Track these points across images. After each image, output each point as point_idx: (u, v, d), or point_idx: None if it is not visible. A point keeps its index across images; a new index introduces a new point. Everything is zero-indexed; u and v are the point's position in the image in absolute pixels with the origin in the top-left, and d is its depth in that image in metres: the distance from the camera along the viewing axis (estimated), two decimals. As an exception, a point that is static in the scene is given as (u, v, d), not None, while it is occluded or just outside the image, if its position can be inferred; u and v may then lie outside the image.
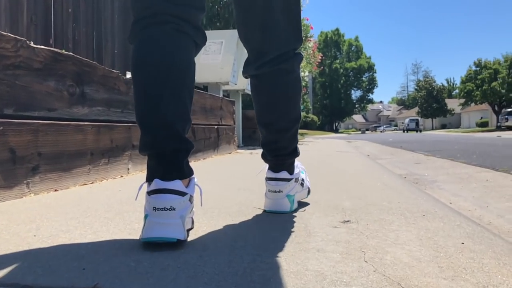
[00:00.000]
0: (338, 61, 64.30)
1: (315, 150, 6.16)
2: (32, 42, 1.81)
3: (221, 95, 5.88)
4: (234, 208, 1.51)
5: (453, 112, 59.35)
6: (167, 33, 1.06)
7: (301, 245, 1.03)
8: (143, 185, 1.07)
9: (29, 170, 1.75)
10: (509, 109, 32.99)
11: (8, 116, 1.66)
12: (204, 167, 3.27)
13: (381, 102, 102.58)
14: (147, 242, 0.98)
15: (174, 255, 0.92)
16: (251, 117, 7.88)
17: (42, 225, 1.22)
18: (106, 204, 1.56)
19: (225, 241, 1.05)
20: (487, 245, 1.08)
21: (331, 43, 64.73)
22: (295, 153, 1.44)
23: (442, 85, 64.03)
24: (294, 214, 1.42)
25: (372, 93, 66.73)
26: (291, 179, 1.42)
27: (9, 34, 1.67)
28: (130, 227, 1.20)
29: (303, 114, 31.54)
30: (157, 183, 1.00)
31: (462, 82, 44.86)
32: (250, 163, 3.71)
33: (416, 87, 71.50)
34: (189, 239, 1.07)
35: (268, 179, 1.42)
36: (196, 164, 3.42)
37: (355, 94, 66.79)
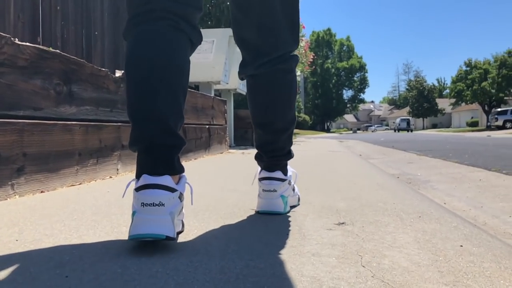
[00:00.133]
0: (329, 60, 64.39)
1: (308, 150, 6.14)
2: (17, 39, 1.75)
3: (212, 95, 5.83)
4: (226, 210, 1.47)
5: (443, 111, 59.75)
6: (163, 29, 1.05)
7: (295, 248, 0.99)
8: (131, 182, 1.04)
9: (13, 171, 1.70)
10: (499, 109, 33.26)
11: (-9, 115, 1.60)
12: (195, 167, 3.22)
13: (372, 102, 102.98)
14: (135, 239, 0.93)
15: (163, 261, 0.87)
16: (243, 116, 7.85)
17: (26, 228, 1.17)
18: (93, 206, 1.51)
19: (217, 245, 1.01)
20: (486, 248, 1.05)
21: (323, 43, 64.80)
22: (290, 154, 1.45)
23: (433, 85, 64.49)
24: (287, 215, 1.38)
25: (363, 92, 66.94)
26: (285, 179, 1.39)
27: (-8, 30, 1.61)
28: (118, 230, 1.16)
29: (295, 113, 31.51)
30: (146, 179, 0.96)
31: (453, 82, 45.14)
32: (242, 163, 3.67)
33: (407, 87, 71.81)
34: (179, 243, 1.03)
35: (262, 179, 1.39)
36: (187, 164, 3.37)
37: (347, 93, 66.96)
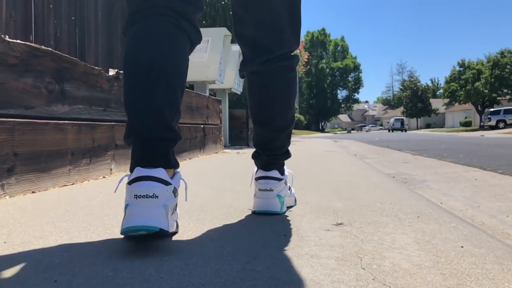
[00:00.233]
0: (324, 61, 64.48)
1: (303, 150, 6.12)
2: (7, 36, 1.71)
3: (207, 94, 5.79)
4: (221, 211, 1.44)
5: (437, 111, 59.99)
6: (164, 25, 1.05)
7: (293, 250, 0.96)
8: (124, 177, 1.02)
9: (4, 171, 1.66)
10: (492, 109, 33.44)
11: (-20, 114, 1.56)
12: (190, 167, 3.19)
13: (366, 101, 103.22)
14: (128, 233, 0.90)
15: (157, 264, 0.84)
16: (238, 116, 7.81)
17: (15, 230, 1.13)
18: (85, 207, 1.47)
19: (212, 247, 0.98)
20: (487, 249, 1.03)
21: (317, 43, 64.87)
22: (288, 154, 1.43)
23: (427, 85, 64.72)
24: (284, 216, 1.35)
25: (357, 93, 67.11)
26: (282, 179, 1.37)
27: (-19, 27, 1.57)
28: (110, 231, 1.12)
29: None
30: (139, 171, 0.95)
31: (446, 82, 45.30)
32: (238, 163, 3.64)
33: (401, 87, 71.99)
34: (173, 244, 1.00)
35: (259, 178, 1.36)
36: (182, 164, 3.33)
37: (341, 93, 67.09)
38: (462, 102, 42.41)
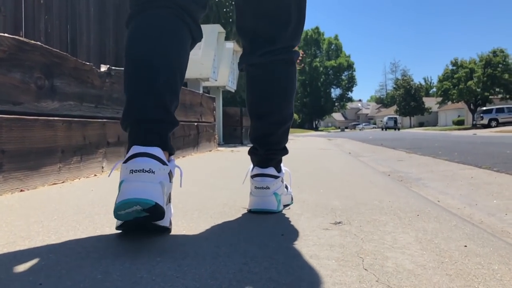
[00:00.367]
0: (318, 59, 64.49)
1: (298, 148, 6.08)
2: (-6, 29, 1.65)
3: (201, 91, 5.74)
4: (216, 209, 1.40)
5: (430, 110, 60.20)
6: (168, 16, 1.06)
7: (292, 250, 0.92)
8: (118, 163, 0.99)
9: (-9, 168, 1.60)
10: (484, 108, 33.62)
11: (-34, 110, 1.51)
12: (184, 165, 3.14)
13: (360, 100, 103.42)
14: (121, 207, 0.85)
15: (149, 265, 0.80)
16: (232, 114, 7.76)
17: (0, 230, 1.08)
18: (75, 206, 1.42)
19: (207, 247, 0.94)
20: (491, 248, 1.00)
21: (311, 41, 64.88)
22: (285, 150, 1.41)
23: (420, 83, 65.01)
24: (281, 215, 1.31)
25: (351, 91, 67.22)
26: (278, 177, 1.33)
27: (-33, 19, 1.52)
28: (101, 231, 1.08)
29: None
30: (135, 149, 0.93)
31: (439, 81, 45.46)
32: (232, 161, 3.60)
33: (394, 86, 72.22)
34: (166, 245, 0.96)
35: (255, 176, 1.32)
36: (175, 162, 3.28)
37: (335, 92, 67.17)
38: (455, 101, 42.59)
